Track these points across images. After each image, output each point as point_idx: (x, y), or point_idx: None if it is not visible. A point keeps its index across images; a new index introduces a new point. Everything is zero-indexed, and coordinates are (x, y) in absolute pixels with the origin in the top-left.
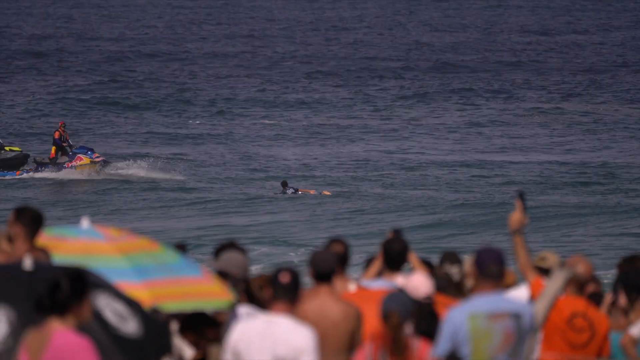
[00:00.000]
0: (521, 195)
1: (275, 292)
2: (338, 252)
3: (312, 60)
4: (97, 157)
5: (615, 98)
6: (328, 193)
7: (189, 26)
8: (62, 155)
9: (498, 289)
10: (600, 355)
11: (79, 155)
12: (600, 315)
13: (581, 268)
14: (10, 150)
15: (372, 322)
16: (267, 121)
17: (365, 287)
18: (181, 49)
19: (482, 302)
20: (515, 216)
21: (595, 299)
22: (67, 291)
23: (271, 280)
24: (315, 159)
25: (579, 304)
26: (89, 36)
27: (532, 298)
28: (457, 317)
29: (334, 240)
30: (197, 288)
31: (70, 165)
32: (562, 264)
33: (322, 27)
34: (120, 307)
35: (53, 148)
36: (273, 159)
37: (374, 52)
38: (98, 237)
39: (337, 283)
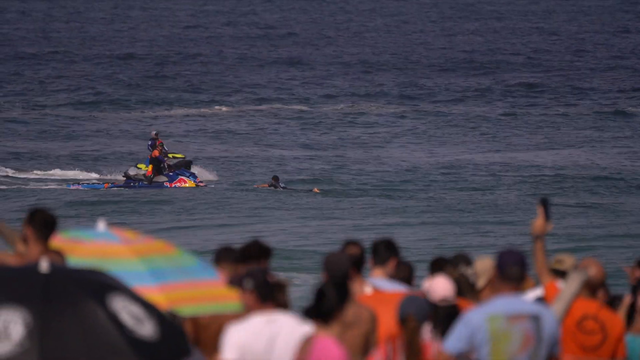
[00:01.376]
0: (543, 202)
1: (264, 293)
2: (353, 254)
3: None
4: (200, 182)
5: None
6: (317, 190)
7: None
8: (157, 174)
9: (518, 291)
10: (615, 357)
11: (182, 177)
12: (613, 318)
13: (593, 270)
14: (174, 157)
15: (387, 324)
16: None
17: (381, 289)
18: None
19: (502, 304)
20: (537, 222)
21: (611, 302)
22: (332, 300)
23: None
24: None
25: (590, 306)
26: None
27: (546, 300)
28: (475, 318)
29: (350, 243)
30: (213, 291)
31: (173, 186)
32: (578, 267)
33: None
34: (136, 309)
35: (150, 166)
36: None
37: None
38: (114, 240)
39: (353, 285)
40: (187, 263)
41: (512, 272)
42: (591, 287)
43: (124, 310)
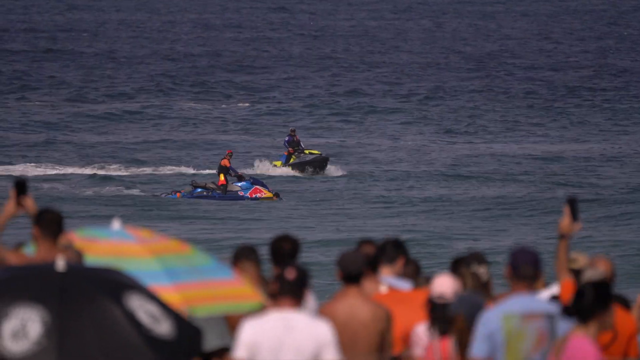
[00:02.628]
0: (570, 202)
1: (280, 288)
2: (368, 253)
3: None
4: (273, 191)
5: None
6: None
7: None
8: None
9: (532, 290)
10: (627, 356)
11: (257, 187)
12: (625, 316)
13: (602, 268)
14: (310, 153)
15: (403, 323)
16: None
17: (396, 288)
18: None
19: (516, 303)
20: (564, 222)
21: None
22: (590, 299)
23: (277, 276)
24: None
25: None
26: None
27: (562, 298)
28: (492, 318)
29: (364, 242)
30: (228, 291)
31: (253, 195)
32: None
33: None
34: (153, 308)
35: (221, 175)
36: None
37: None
38: (129, 239)
39: (368, 284)
40: (202, 262)
41: (526, 271)
42: None
43: (141, 309)
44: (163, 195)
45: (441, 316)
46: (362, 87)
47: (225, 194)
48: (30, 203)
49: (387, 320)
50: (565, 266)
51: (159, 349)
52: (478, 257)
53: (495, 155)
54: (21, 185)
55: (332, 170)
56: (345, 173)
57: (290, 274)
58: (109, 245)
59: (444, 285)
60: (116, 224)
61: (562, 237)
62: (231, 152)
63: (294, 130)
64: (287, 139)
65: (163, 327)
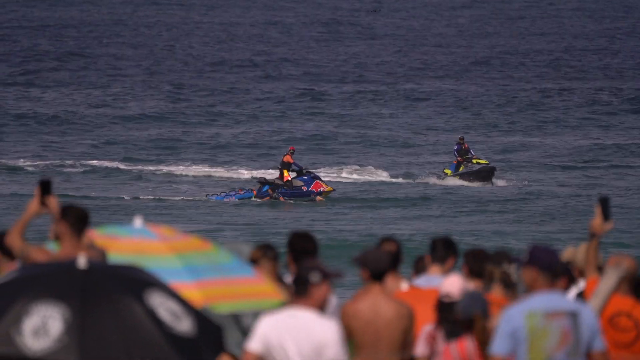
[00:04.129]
0: (602, 201)
1: (301, 288)
2: (390, 251)
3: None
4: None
5: None
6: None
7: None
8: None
9: (554, 288)
10: None
11: (318, 182)
12: None
13: (626, 265)
14: (477, 162)
15: (423, 321)
16: None
17: (417, 286)
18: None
19: (539, 301)
20: (595, 221)
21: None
22: None
23: (298, 276)
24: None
25: (624, 302)
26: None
27: (586, 295)
28: (515, 315)
29: (386, 239)
30: (249, 288)
31: (318, 190)
32: (616, 263)
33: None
34: (174, 305)
35: (285, 171)
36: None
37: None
38: (151, 236)
39: (389, 282)
40: (223, 260)
41: (547, 268)
42: (627, 283)
43: (162, 306)
44: (225, 194)
45: (448, 316)
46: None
47: (291, 189)
48: (54, 203)
49: (410, 318)
50: (594, 264)
51: (180, 346)
52: (507, 256)
53: None
54: (46, 185)
55: (498, 181)
56: (510, 184)
57: (315, 277)
58: (130, 242)
59: (453, 284)
60: (138, 222)
61: (592, 236)
62: (293, 149)
63: (462, 139)
64: (456, 147)
65: (184, 325)
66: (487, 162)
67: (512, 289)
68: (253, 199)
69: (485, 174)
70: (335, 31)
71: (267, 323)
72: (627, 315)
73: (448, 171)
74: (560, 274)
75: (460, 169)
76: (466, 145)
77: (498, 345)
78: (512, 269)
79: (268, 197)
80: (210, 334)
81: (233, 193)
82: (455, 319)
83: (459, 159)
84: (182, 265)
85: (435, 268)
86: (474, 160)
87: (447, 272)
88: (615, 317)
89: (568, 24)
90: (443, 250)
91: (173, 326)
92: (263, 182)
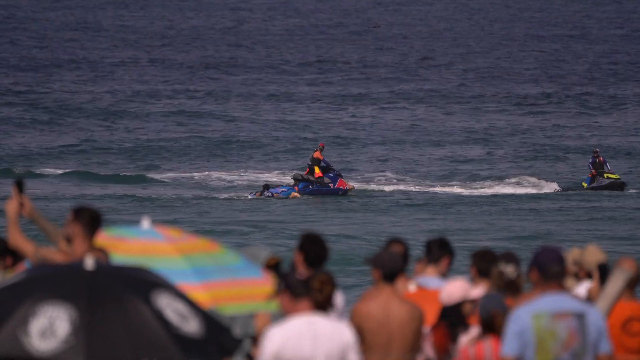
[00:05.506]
0: None
1: (305, 291)
2: (399, 252)
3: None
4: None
5: None
6: (297, 195)
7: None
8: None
9: (561, 289)
10: None
11: (341, 179)
12: None
13: (627, 267)
14: (607, 177)
15: (431, 321)
16: None
17: (425, 286)
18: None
19: (546, 302)
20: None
21: None
22: None
23: (306, 280)
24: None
25: (635, 307)
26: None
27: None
28: (522, 316)
29: (394, 241)
30: (256, 290)
31: (345, 187)
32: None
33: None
34: (181, 306)
35: (316, 168)
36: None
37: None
38: (158, 238)
39: (398, 283)
40: (231, 261)
41: (554, 270)
42: (631, 286)
43: (169, 307)
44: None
45: (451, 318)
46: None
47: (324, 186)
48: (28, 203)
49: (421, 319)
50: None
51: (187, 347)
52: (506, 256)
53: None
54: (20, 185)
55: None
56: None
57: (280, 285)
58: (137, 244)
59: (454, 287)
60: (145, 223)
61: None
62: (323, 146)
63: (597, 152)
64: (590, 160)
65: (191, 326)
66: (618, 176)
67: (509, 289)
68: (293, 195)
69: (615, 189)
70: None
71: (279, 337)
72: (638, 320)
73: (584, 184)
74: (560, 275)
75: (594, 182)
76: (601, 158)
77: (508, 346)
78: (509, 269)
79: (299, 195)
80: (218, 335)
81: (280, 189)
82: (460, 321)
83: (593, 172)
84: (189, 267)
85: (431, 269)
86: (605, 175)
87: (442, 271)
88: (628, 322)
89: None
90: (437, 251)
91: (180, 327)
92: (299, 179)
